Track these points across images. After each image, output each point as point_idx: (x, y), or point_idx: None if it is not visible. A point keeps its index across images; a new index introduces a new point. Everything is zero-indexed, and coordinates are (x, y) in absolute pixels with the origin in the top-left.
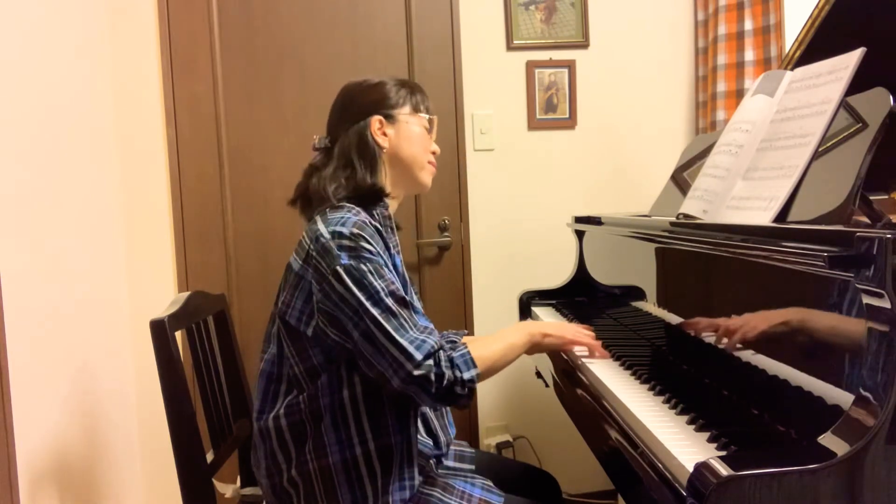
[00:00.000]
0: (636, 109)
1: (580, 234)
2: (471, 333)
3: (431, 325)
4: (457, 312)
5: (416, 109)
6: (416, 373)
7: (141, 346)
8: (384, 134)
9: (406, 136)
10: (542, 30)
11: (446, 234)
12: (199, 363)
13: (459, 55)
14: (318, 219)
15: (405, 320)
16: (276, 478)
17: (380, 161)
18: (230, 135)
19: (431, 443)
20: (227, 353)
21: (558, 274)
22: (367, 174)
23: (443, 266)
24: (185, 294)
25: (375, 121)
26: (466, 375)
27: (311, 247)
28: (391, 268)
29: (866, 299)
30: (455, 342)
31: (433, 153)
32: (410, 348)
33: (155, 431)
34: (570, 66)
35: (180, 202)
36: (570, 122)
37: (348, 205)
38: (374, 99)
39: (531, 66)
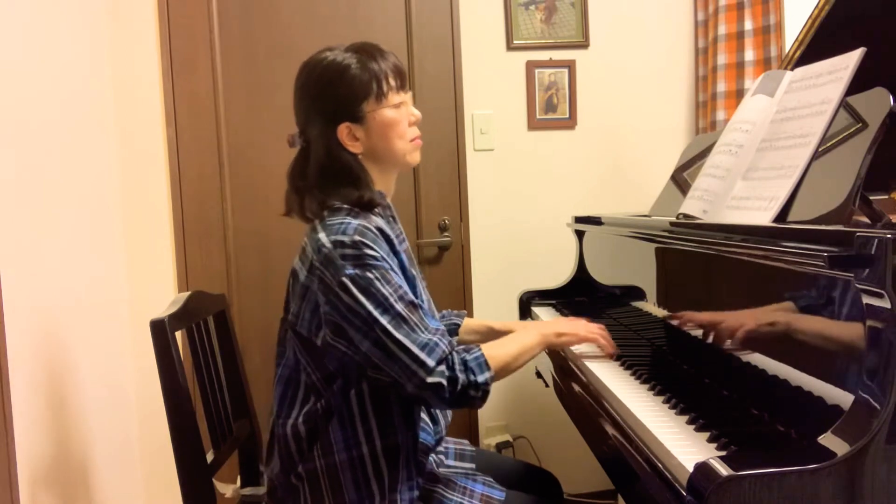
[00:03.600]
0: (636, 109)
1: (580, 234)
2: (470, 316)
3: (442, 327)
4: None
5: (380, 96)
6: (429, 380)
7: (141, 346)
8: (355, 139)
9: (378, 133)
10: (542, 30)
11: (446, 234)
12: (199, 363)
13: (459, 55)
14: (319, 226)
15: (415, 324)
16: (290, 473)
17: (360, 167)
18: (230, 135)
19: (432, 427)
20: (227, 353)
21: (558, 274)
22: (350, 189)
23: (443, 266)
24: (185, 294)
25: (342, 130)
26: (480, 378)
27: (315, 257)
28: (397, 269)
29: (866, 299)
30: (470, 347)
31: (415, 123)
32: (422, 355)
33: (155, 431)
34: (570, 66)
35: (180, 202)
36: (569, 122)
37: (345, 207)
38: (335, 100)
39: (531, 66)
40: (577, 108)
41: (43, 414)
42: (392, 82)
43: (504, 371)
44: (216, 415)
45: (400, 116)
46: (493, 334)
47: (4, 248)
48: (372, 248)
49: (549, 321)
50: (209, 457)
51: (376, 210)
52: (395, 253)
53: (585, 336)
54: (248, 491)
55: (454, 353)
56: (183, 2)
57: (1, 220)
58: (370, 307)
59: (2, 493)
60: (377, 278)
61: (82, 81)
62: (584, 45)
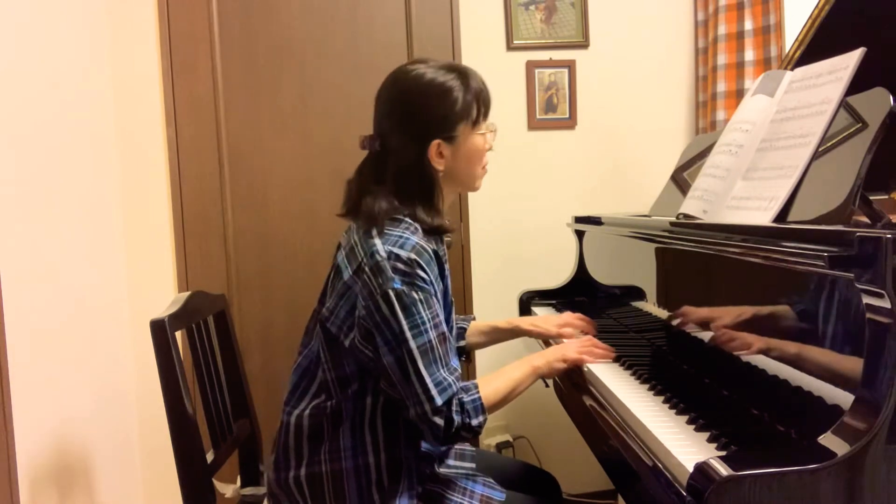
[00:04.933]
0: (636, 109)
1: (580, 234)
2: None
3: (458, 369)
4: (457, 312)
5: (475, 123)
6: (432, 418)
7: (141, 346)
8: (441, 156)
9: (464, 156)
10: (542, 30)
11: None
12: (199, 363)
13: (459, 55)
14: (376, 232)
15: (439, 357)
16: (283, 472)
17: (437, 183)
18: (230, 135)
19: None
20: (227, 353)
21: (558, 274)
22: (424, 212)
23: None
24: (185, 294)
25: (434, 146)
26: (474, 422)
27: (365, 261)
28: (440, 297)
29: (866, 299)
30: (468, 386)
31: (489, 150)
32: (434, 391)
33: (155, 431)
34: (570, 66)
35: (180, 202)
36: (569, 122)
37: (408, 220)
38: (436, 116)
39: (531, 66)
40: (577, 108)
41: (43, 414)
42: (484, 109)
43: (495, 409)
44: (216, 415)
45: (485, 145)
46: (498, 334)
47: (4, 248)
48: (424, 270)
49: (538, 353)
50: (209, 457)
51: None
52: (443, 277)
53: (575, 360)
54: (248, 491)
55: (455, 396)
56: (183, 2)
57: (1, 220)
58: (405, 325)
59: (2, 493)
60: (420, 300)
61: (83, 82)
62: (584, 45)
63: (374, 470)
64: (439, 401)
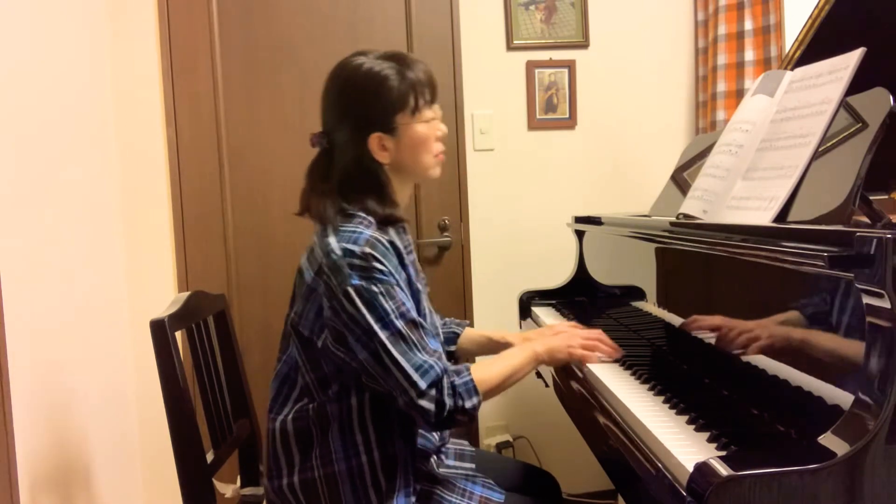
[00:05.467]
0: (636, 109)
1: (580, 234)
2: (470, 321)
3: (440, 349)
4: (457, 312)
5: (414, 111)
6: (419, 402)
7: (141, 346)
8: (384, 149)
9: (408, 146)
10: (542, 30)
11: (446, 234)
12: (199, 363)
13: (459, 55)
14: (330, 230)
15: (414, 343)
16: (275, 481)
17: (384, 177)
18: (230, 135)
19: (434, 435)
20: (227, 353)
21: (558, 274)
22: (374, 203)
23: (443, 266)
24: (185, 294)
25: (374, 139)
26: (468, 404)
27: (323, 261)
28: (403, 284)
29: (866, 299)
30: (459, 369)
31: (440, 138)
32: (415, 376)
33: (155, 431)
34: (570, 66)
35: (180, 202)
36: (570, 122)
37: (360, 215)
38: (373, 108)
39: (531, 66)
40: (577, 108)
41: (43, 414)
42: (427, 96)
43: (492, 393)
44: (216, 415)
45: (430, 132)
46: (491, 345)
47: (4, 248)
48: (380, 262)
49: (542, 340)
50: (209, 457)
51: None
52: (404, 266)
53: (576, 353)
54: (248, 491)
55: (445, 377)
56: (183, 2)
57: (1, 220)
58: (371, 320)
59: (2, 493)
60: (381, 293)
61: (82, 82)
62: (584, 45)
63: (367, 470)
64: (423, 384)
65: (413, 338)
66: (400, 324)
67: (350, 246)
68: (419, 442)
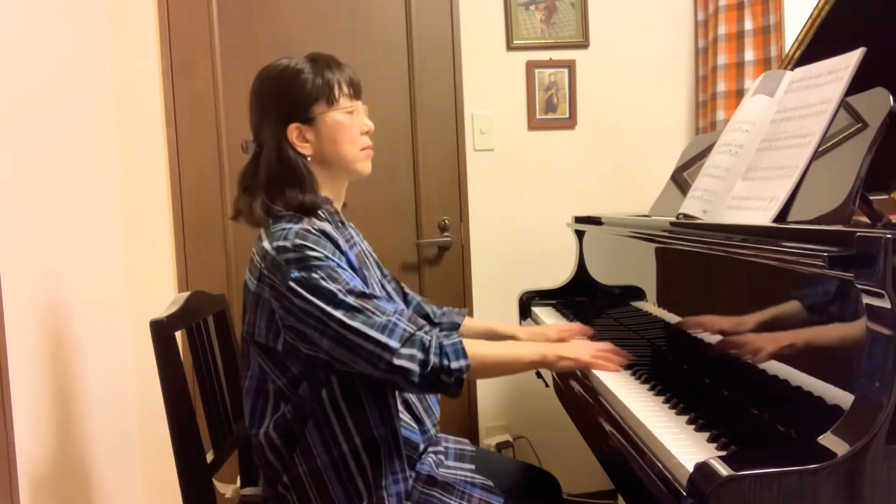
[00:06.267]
0: (636, 109)
1: (580, 234)
2: (470, 316)
3: (402, 307)
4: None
5: (331, 101)
6: (396, 362)
7: (141, 346)
8: (305, 140)
9: (328, 136)
10: (542, 30)
11: (446, 234)
12: (199, 363)
13: (459, 55)
14: (263, 234)
15: (371, 312)
16: (269, 487)
17: (306, 170)
18: (230, 135)
19: (417, 427)
20: (227, 353)
21: (558, 274)
22: (296, 192)
23: (443, 266)
24: (185, 294)
25: (292, 130)
26: (454, 365)
27: (262, 265)
28: (345, 266)
29: (866, 299)
30: (450, 333)
31: (367, 132)
32: (382, 337)
33: (155, 431)
34: (570, 66)
35: (180, 202)
36: (570, 122)
37: (287, 213)
38: (287, 102)
39: (531, 66)
40: (577, 108)
41: (43, 414)
42: (345, 89)
43: (484, 368)
44: (216, 415)
45: (351, 122)
46: (496, 337)
47: (4, 248)
48: (313, 250)
49: (556, 345)
50: (209, 457)
51: (322, 215)
52: (343, 252)
53: (589, 362)
54: (248, 491)
55: (432, 337)
56: (183, 2)
57: (1, 220)
58: (321, 304)
59: (2, 493)
60: (322, 277)
61: (83, 82)
62: (584, 45)
63: (350, 458)
64: (393, 342)
65: (368, 307)
66: (350, 299)
67: (281, 243)
68: (403, 433)
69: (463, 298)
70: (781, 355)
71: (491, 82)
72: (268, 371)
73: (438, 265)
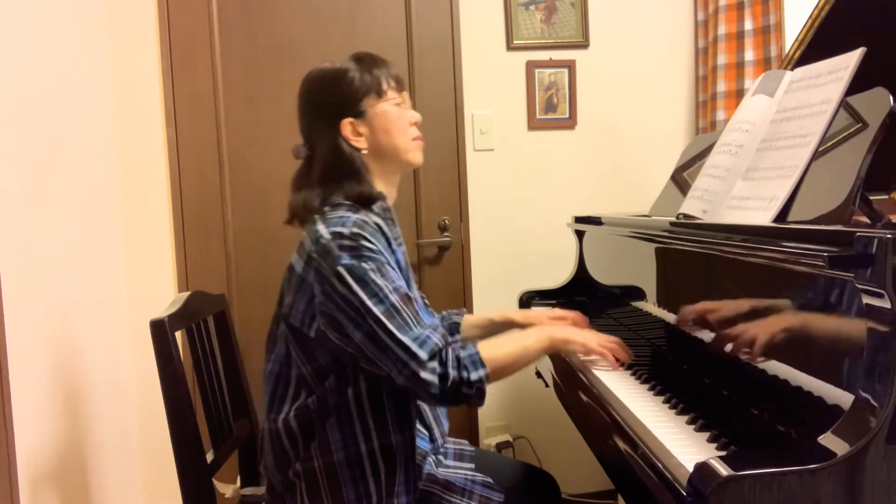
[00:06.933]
0: (636, 109)
1: (580, 234)
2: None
3: (437, 322)
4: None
5: (380, 93)
6: (421, 374)
7: (141, 346)
8: (359, 134)
9: (381, 127)
10: (542, 30)
11: (446, 234)
12: (199, 363)
13: (459, 55)
14: (318, 219)
15: (409, 317)
16: (279, 474)
17: (362, 165)
18: (230, 135)
19: (427, 434)
20: (227, 353)
21: (558, 274)
22: (353, 184)
23: (443, 266)
24: (185, 294)
25: (346, 125)
26: (474, 376)
27: (312, 248)
28: (393, 265)
29: (866, 299)
30: (466, 344)
31: (415, 124)
32: (414, 346)
33: (155, 431)
34: (570, 66)
35: (180, 202)
36: (570, 122)
37: (346, 202)
38: (337, 99)
39: (531, 66)
40: (577, 108)
41: (43, 414)
42: (392, 83)
43: (502, 371)
44: (216, 415)
45: (400, 113)
46: (493, 326)
47: (4, 248)
48: (369, 241)
49: (560, 327)
50: (209, 457)
51: (376, 210)
52: (393, 251)
53: (594, 349)
54: (248, 491)
55: (448, 349)
56: (183, 2)
57: (1, 220)
58: (364, 297)
59: (2, 493)
60: (372, 269)
61: (83, 82)
62: (584, 45)
63: (367, 459)
64: (423, 354)
65: (408, 311)
66: (394, 298)
67: (339, 229)
68: (419, 445)
69: (463, 298)
70: (781, 355)
71: (491, 82)
72: (294, 356)
73: (438, 265)
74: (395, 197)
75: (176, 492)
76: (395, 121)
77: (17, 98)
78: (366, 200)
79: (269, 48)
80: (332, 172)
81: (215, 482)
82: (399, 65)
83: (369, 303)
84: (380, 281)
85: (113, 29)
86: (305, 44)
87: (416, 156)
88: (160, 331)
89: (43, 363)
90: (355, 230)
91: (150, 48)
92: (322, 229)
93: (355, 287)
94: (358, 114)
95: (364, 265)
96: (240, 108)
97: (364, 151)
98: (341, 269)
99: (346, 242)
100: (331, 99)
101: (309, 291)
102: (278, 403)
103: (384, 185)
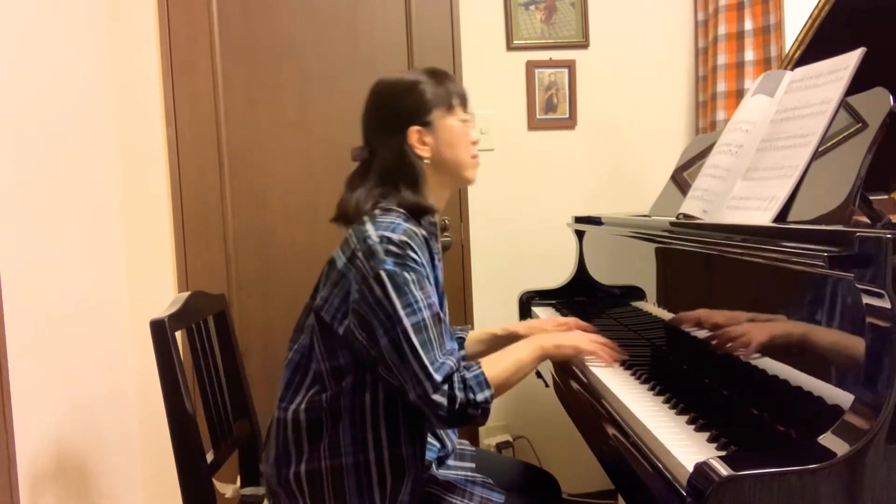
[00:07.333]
0: (636, 109)
1: (580, 234)
2: (471, 323)
3: (455, 348)
4: (457, 312)
5: (450, 108)
6: (432, 396)
7: (141, 346)
8: (424, 143)
9: (446, 140)
10: (542, 30)
11: (446, 234)
12: (199, 363)
13: (459, 55)
14: (368, 220)
15: (434, 337)
16: (284, 469)
17: (422, 174)
18: (230, 135)
19: (439, 445)
20: (227, 353)
21: (558, 274)
22: (410, 192)
23: (443, 266)
24: (185, 294)
25: (413, 133)
26: (480, 397)
27: (358, 247)
28: (432, 280)
29: (866, 299)
30: (470, 364)
31: (475, 143)
32: (431, 369)
33: (155, 431)
34: (570, 66)
35: (180, 202)
36: (570, 122)
37: (398, 209)
38: (408, 106)
39: (531, 66)
40: (577, 108)
41: (43, 414)
42: (460, 101)
43: (503, 387)
44: (216, 415)
45: (465, 130)
46: (496, 341)
47: (4, 248)
48: (415, 252)
49: (550, 335)
50: (209, 457)
51: (423, 223)
52: (434, 266)
53: (585, 349)
54: (248, 491)
55: (456, 372)
56: (183, 2)
57: (1, 220)
58: (398, 305)
59: (2, 493)
60: (413, 280)
61: (83, 82)
62: (584, 45)
63: (375, 467)
64: (438, 377)
65: (434, 332)
66: (426, 313)
67: (388, 234)
68: (429, 455)
69: (463, 298)
70: (781, 355)
71: (491, 82)
72: (316, 350)
73: None
74: (443, 207)
75: (176, 492)
76: (460, 136)
77: (17, 98)
78: (418, 211)
79: (269, 48)
80: (391, 176)
81: (215, 482)
82: (399, 65)
83: (402, 312)
84: (417, 293)
85: (113, 29)
86: (305, 44)
87: (473, 173)
88: (160, 331)
89: (43, 363)
90: (404, 238)
91: (150, 48)
92: (371, 230)
93: (392, 294)
94: (425, 123)
95: (406, 274)
96: (240, 108)
97: (426, 161)
98: (382, 274)
99: (393, 248)
100: (402, 105)
101: (346, 288)
102: (292, 393)
103: (436, 199)
